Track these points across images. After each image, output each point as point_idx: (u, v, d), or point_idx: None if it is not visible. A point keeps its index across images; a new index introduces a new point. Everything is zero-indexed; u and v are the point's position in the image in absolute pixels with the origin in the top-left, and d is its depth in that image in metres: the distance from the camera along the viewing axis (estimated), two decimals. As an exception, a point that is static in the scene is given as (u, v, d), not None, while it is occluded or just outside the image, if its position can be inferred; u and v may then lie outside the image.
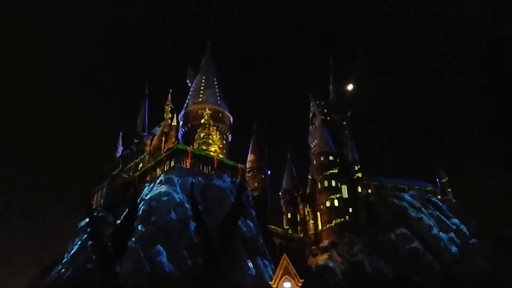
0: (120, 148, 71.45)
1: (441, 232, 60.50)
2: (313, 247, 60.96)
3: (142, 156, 64.06)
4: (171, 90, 67.52)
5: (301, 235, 66.25)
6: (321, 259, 55.93)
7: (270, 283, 34.78)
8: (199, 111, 68.25)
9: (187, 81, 77.51)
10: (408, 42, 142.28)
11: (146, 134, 68.32)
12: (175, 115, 65.97)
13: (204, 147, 60.10)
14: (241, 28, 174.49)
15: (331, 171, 65.06)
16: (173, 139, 61.93)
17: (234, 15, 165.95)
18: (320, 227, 63.30)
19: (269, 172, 70.74)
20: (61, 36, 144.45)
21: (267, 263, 47.00)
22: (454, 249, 58.51)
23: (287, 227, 68.37)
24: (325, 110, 76.30)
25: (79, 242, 51.22)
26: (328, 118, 75.05)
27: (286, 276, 34.63)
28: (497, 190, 60.30)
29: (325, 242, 59.89)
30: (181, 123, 70.39)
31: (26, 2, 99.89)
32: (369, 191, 67.57)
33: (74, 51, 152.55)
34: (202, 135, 62.18)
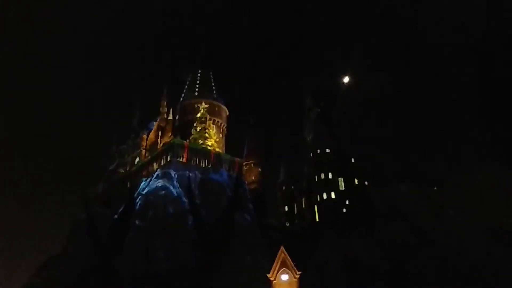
0: (117, 143, 71.28)
1: (437, 224, 60.79)
2: (310, 240, 61.19)
3: (138, 151, 64.00)
4: (167, 84, 67.50)
5: (298, 228, 66.48)
6: (318, 252, 56.15)
7: (268, 276, 34.99)
8: (195, 105, 68.11)
9: (183, 75, 77.41)
10: (404, 36, 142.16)
11: (142, 129, 68.22)
12: (171, 110, 65.85)
13: (201, 141, 60.08)
14: (237, 21, 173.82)
15: (327, 164, 65.16)
16: (170, 134, 61.93)
17: (230, 9, 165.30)
18: (317, 220, 63.48)
19: (266, 166, 70.95)
20: (57, 30, 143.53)
21: (265, 256, 47.16)
22: (450, 241, 58.84)
23: (284, 220, 68.58)
24: (321, 103, 76.30)
25: (77, 238, 51.23)
26: (325, 111, 75.07)
27: (283, 268, 34.88)
28: (490, 181, 60.70)
29: (322, 235, 60.10)
30: (177, 117, 70.34)
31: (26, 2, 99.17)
32: (365, 183, 67.77)
33: (70, 45, 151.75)
34: (198, 129, 62.12)
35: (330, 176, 64.45)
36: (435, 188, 71.22)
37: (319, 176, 64.98)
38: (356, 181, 65.83)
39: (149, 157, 59.72)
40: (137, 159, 63.07)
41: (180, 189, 49.86)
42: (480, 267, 53.06)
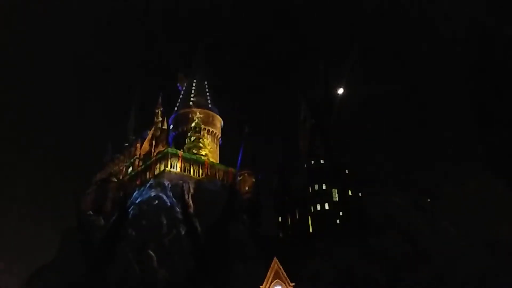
0: (110, 152, 71.00)
1: (431, 235, 60.78)
2: (303, 251, 60.89)
3: (132, 160, 63.75)
4: (161, 94, 67.54)
5: (292, 238, 66.15)
6: (312, 263, 55.88)
7: (261, 287, 34.79)
8: (190, 115, 68.08)
9: (178, 84, 77.44)
10: (398, 46, 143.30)
11: (136, 137, 68.04)
12: (165, 119, 65.77)
13: (195, 151, 59.99)
14: (232, 31, 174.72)
15: (321, 175, 65.06)
16: (164, 143, 61.78)
17: (225, 18, 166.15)
18: (310, 231, 63.21)
19: (260, 176, 70.68)
20: (52, 33, 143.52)
21: (258, 266, 46.83)
22: (444, 252, 58.79)
23: (278, 230, 68.21)
24: (316, 114, 76.40)
25: (68, 246, 50.75)
26: (319, 122, 75.15)
27: (277, 280, 34.72)
28: (485, 192, 60.83)
29: (315, 246, 59.84)
30: (171, 126, 70.27)
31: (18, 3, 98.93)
32: (360, 194, 67.66)
33: (63, 53, 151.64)
34: (193, 138, 62.09)
35: (324, 187, 64.32)
36: (429, 199, 71.36)
37: (313, 187, 64.85)
38: (350, 192, 65.72)
39: (143, 166, 59.49)
40: (131, 168, 62.79)
41: (173, 198, 49.70)
42: (476, 279, 53.03)
